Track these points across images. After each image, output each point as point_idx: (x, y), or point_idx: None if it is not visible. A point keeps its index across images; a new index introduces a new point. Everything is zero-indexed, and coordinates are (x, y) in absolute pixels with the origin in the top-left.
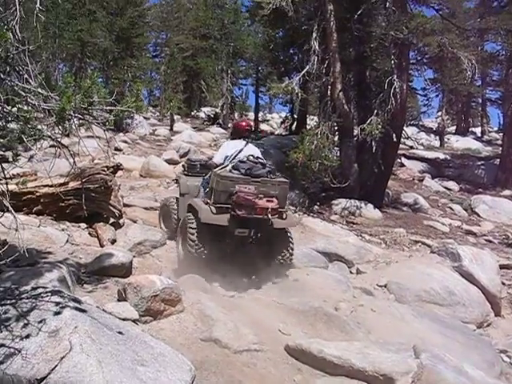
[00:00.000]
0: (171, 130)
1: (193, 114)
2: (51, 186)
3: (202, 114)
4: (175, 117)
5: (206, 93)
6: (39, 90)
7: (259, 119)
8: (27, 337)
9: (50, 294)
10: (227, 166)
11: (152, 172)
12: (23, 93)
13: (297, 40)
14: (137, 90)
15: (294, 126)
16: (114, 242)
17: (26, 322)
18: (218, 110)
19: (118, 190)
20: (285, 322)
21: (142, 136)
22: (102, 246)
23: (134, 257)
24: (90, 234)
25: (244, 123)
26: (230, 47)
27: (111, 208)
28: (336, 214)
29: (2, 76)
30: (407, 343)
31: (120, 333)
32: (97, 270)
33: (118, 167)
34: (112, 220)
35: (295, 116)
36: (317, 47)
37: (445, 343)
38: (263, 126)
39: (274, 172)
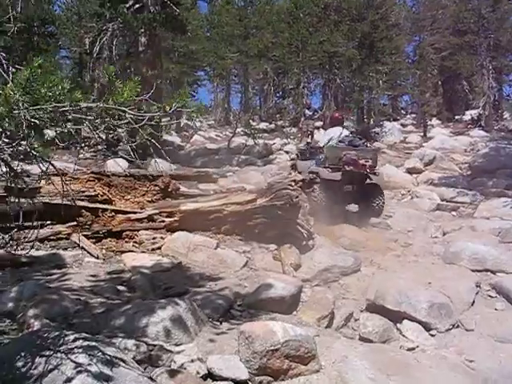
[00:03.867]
0: (424, 135)
1: (457, 117)
2: (238, 204)
3: (467, 117)
4: (435, 122)
5: (469, 93)
6: None
7: None
8: None
9: (81, 349)
10: (334, 141)
11: (386, 183)
12: None
13: None
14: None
15: None
16: (298, 267)
17: None
18: (480, 112)
19: None
20: None
21: (390, 145)
22: (284, 271)
23: (317, 286)
24: (273, 257)
25: (337, 114)
26: (490, 39)
27: (299, 228)
28: None
29: None
30: None
31: None
32: (253, 304)
33: (311, 181)
34: (304, 242)
35: None
36: None
37: None
38: None
39: (367, 144)
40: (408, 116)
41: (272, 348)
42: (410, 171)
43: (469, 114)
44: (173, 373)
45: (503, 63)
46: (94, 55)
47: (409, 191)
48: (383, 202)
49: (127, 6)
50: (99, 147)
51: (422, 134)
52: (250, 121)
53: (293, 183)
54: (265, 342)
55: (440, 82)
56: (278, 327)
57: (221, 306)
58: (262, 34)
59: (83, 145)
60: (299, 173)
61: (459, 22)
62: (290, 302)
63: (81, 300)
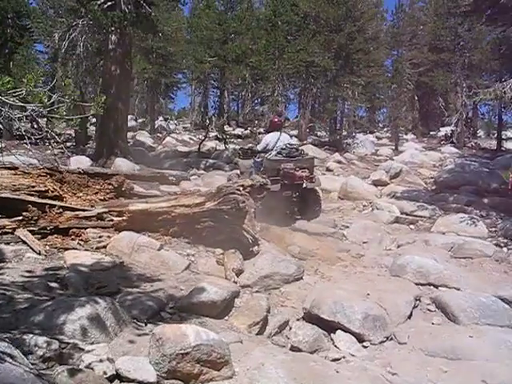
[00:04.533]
0: (396, 149)
1: (432, 133)
2: (187, 206)
3: (442, 133)
4: (410, 136)
5: (444, 110)
6: None
7: (503, 137)
8: None
9: None
10: (273, 152)
11: (349, 194)
12: None
13: None
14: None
15: None
16: (240, 272)
17: None
18: (453, 128)
19: None
20: None
21: (361, 156)
22: (226, 276)
23: (257, 292)
24: (217, 261)
25: (276, 119)
26: (465, 58)
27: (244, 233)
28: None
29: None
30: None
31: None
32: (185, 307)
33: (262, 186)
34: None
35: None
36: None
37: None
38: (510, 145)
39: (303, 153)
40: (384, 129)
41: (182, 351)
42: (376, 183)
43: (444, 130)
44: (73, 372)
45: (477, 82)
46: (62, 50)
47: (370, 203)
48: (320, 205)
49: (99, 2)
50: (68, 144)
51: (394, 147)
52: (225, 126)
53: (241, 188)
54: (175, 344)
55: (416, 97)
56: (191, 331)
57: (150, 307)
58: (241, 40)
59: (52, 141)
60: (241, 173)
61: (437, 40)
62: (222, 307)
63: (6, 295)
